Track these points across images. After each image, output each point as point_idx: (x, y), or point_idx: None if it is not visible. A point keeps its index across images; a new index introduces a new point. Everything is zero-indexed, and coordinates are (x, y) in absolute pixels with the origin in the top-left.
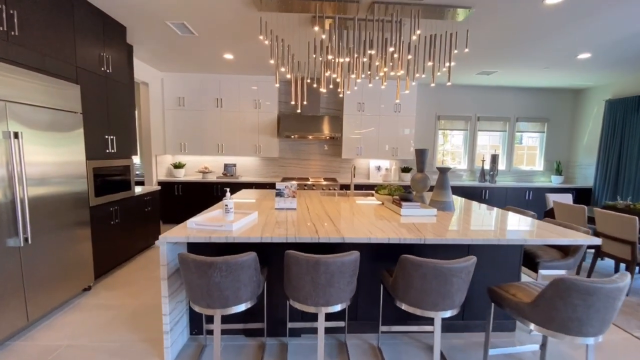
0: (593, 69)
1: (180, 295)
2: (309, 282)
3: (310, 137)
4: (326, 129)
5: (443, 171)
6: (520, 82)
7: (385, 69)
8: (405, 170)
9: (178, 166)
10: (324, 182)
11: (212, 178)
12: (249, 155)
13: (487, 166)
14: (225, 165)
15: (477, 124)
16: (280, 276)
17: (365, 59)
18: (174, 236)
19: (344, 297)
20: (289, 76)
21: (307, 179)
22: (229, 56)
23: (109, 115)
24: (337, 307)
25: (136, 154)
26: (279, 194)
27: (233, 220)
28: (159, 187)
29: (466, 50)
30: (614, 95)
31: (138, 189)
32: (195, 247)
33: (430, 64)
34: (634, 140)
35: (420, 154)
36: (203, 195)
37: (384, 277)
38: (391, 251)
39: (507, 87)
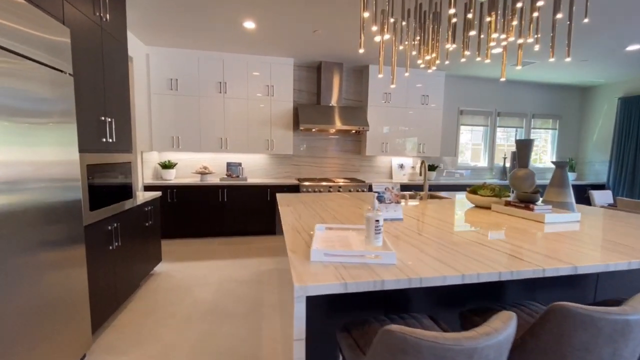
0: (634, 62)
1: None
2: (606, 357)
3: (332, 130)
4: (351, 122)
5: (561, 166)
6: (538, 77)
7: (510, 38)
8: (431, 168)
9: (167, 166)
10: (350, 183)
11: (213, 180)
12: (259, 152)
13: (506, 163)
14: (229, 165)
15: (497, 119)
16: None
17: (495, 18)
18: (322, 283)
19: None
20: (387, 37)
21: (329, 180)
22: (249, 24)
23: (105, 86)
24: None
25: (132, 148)
26: (379, 199)
27: (382, 245)
28: (159, 193)
29: (585, 20)
30: (626, 93)
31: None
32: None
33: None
34: None
35: (525, 146)
36: (203, 201)
37: None
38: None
39: (524, 82)
